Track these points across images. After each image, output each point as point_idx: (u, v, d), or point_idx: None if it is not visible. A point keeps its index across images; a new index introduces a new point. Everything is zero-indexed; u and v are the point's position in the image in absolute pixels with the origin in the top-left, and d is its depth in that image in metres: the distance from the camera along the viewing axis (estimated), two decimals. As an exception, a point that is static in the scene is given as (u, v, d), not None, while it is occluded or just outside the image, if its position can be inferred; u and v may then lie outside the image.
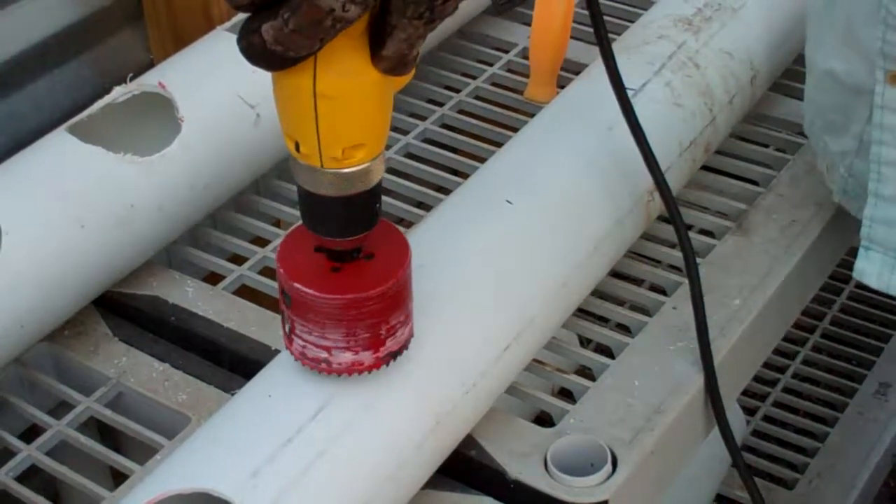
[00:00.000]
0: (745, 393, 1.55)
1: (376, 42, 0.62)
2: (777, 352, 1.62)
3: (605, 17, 1.17)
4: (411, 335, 0.74)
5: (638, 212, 0.93)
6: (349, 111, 0.64)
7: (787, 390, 1.60)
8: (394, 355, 0.73)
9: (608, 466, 0.81)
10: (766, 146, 1.11)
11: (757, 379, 1.59)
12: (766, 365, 1.60)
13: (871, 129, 0.87)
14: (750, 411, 1.56)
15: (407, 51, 0.62)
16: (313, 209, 0.68)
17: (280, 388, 0.75)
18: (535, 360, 0.89)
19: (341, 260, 0.71)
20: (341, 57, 0.62)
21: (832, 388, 1.60)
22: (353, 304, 0.70)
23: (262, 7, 0.59)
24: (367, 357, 0.72)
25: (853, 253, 0.91)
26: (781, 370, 1.62)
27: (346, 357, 0.72)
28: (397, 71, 0.63)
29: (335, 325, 0.71)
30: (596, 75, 0.98)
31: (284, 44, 0.59)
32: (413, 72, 0.65)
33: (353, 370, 0.72)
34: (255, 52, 0.60)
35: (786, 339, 1.63)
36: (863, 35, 0.85)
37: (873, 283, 0.90)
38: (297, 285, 0.70)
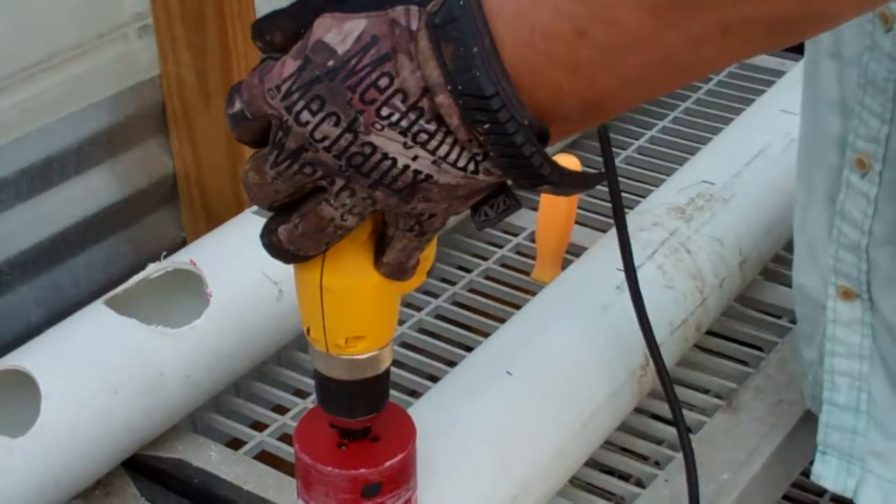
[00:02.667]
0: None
1: (379, 249, 0.65)
2: None
3: (606, 203, 1.20)
4: None
5: (631, 386, 0.94)
6: (351, 306, 0.66)
7: None
8: None
9: None
10: (756, 328, 1.11)
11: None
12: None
13: (825, 342, 0.88)
14: None
15: (404, 259, 0.64)
16: (325, 390, 0.70)
17: None
18: None
19: (351, 438, 0.72)
20: (346, 258, 0.65)
21: None
22: (354, 479, 0.71)
23: (280, 211, 0.63)
24: None
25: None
26: None
27: None
28: (397, 276, 0.66)
29: (337, 497, 0.72)
30: (594, 258, 1.01)
31: (295, 244, 0.63)
32: (423, 278, 0.67)
33: None
34: (274, 248, 0.64)
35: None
36: (820, 253, 0.86)
37: (829, 485, 0.90)
38: (304, 457, 0.72)
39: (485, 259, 1.22)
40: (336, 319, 0.67)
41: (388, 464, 0.72)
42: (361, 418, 0.72)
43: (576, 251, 1.17)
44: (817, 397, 0.92)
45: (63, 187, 1.20)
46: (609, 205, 1.24)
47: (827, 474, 0.90)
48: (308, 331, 0.68)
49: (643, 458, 0.99)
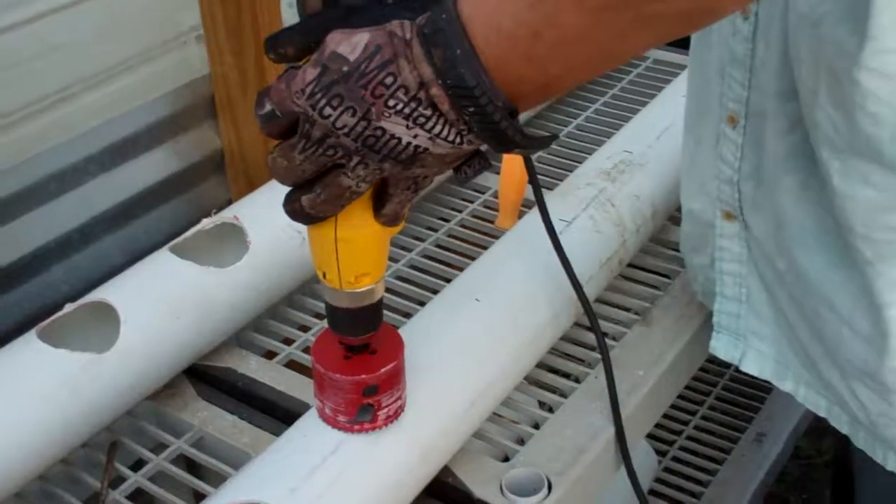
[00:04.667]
0: (657, 439, 1.55)
1: (378, 204, 0.64)
2: (681, 408, 1.61)
3: (553, 168, 1.21)
4: (403, 408, 0.75)
5: (568, 308, 0.93)
6: (359, 250, 0.66)
7: (689, 438, 1.58)
8: (389, 419, 0.74)
9: (545, 490, 0.81)
10: (665, 261, 1.11)
11: (666, 428, 1.58)
12: (673, 418, 1.59)
13: (715, 250, 0.88)
14: (661, 453, 1.54)
15: (400, 210, 0.65)
16: (334, 317, 0.70)
17: (310, 431, 0.76)
18: (495, 414, 0.89)
19: (354, 352, 0.72)
20: (354, 214, 0.65)
21: (723, 437, 1.57)
22: (356, 383, 0.71)
23: (300, 185, 0.62)
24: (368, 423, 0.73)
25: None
26: (685, 423, 1.60)
27: (349, 422, 0.73)
28: (392, 223, 0.66)
29: (345, 397, 0.72)
30: None
31: (317, 209, 0.63)
32: (403, 225, 0.67)
33: (359, 430, 0.74)
34: (297, 213, 0.63)
35: (689, 398, 1.63)
36: (708, 186, 0.86)
37: (722, 356, 0.91)
38: (319, 366, 0.72)
39: (459, 211, 1.22)
40: (348, 262, 0.67)
41: (382, 370, 0.72)
42: (362, 336, 0.71)
43: (529, 204, 1.16)
44: (708, 292, 0.93)
45: (136, 161, 1.19)
46: (554, 169, 1.27)
47: (720, 348, 0.91)
48: (324, 275, 0.68)
49: (580, 361, 1.00)
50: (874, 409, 0.79)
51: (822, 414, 0.86)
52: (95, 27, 1.12)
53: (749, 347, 0.90)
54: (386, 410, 0.74)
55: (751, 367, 0.90)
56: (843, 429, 0.84)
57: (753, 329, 0.89)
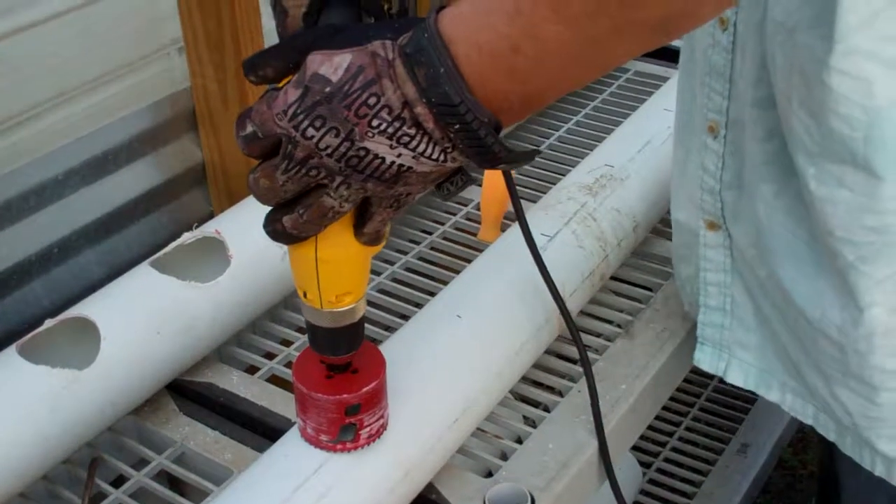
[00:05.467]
0: (641, 451, 1.55)
1: (359, 223, 0.64)
2: (665, 420, 1.61)
3: (534, 181, 1.21)
4: (385, 427, 0.75)
5: (550, 323, 0.94)
6: (340, 270, 0.66)
7: (673, 449, 1.58)
8: (372, 438, 0.74)
9: (528, 505, 0.81)
10: (647, 274, 1.11)
11: (651, 440, 1.58)
12: (658, 430, 1.59)
13: (699, 261, 0.89)
14: (646, 465, 1.55)
15: (381, 228, 0.64)
16: (315, 336, 0.70)
17: (293, 450, 0.75)
18: (478, 429, 0.89)
19: (335, 371, 0.72)
20: (334, 234, 0.64)
21: (707, 448, 1.58)
22: (338, 402, 0.71)
23: (282, 205, 0.62)
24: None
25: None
26: (670, 434, 1.61)
27: (332, 441, 0.73)
28: (373, 243, 0.66)
29: (327, 416, 0.72)
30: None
31: (299, 229, 0.62)
32: (384, 243, 0.67)
33: (342, 449, 0.73)
34: (277, 234, 0.63)
35: (673, 410, 1.63)
36: (693, 196, 0.87)
37: (706, 367, 0.91)
38: (300, 386, 0.72)
39: (442, 224, 1.22)
40: (328, 282, 0.66)
41: (364, 390, 0.71)
42: (344, 356, 0.71)
43: (511, 217, 1.13)
44: (694, 303, 0.93)
45: (117, 174, 1.19)
46: (536, 181, 1.27)
47: (704, 359, 0.92)
48: (304, 294, 0.67)
49: (562, 375, 1.00)
50: (857, 411, 0.80)
51: (808, 422, 0.86)
52: (76, 39, 1.11)
53: (733, 358, 0.90)
54: (368, 429, 0.74)
55: (735, 377, 0.90)
56: (830, 436, 0.85)
57: (738, 339, 0.89)
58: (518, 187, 1.25)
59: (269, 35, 1.18)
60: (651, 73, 1.48)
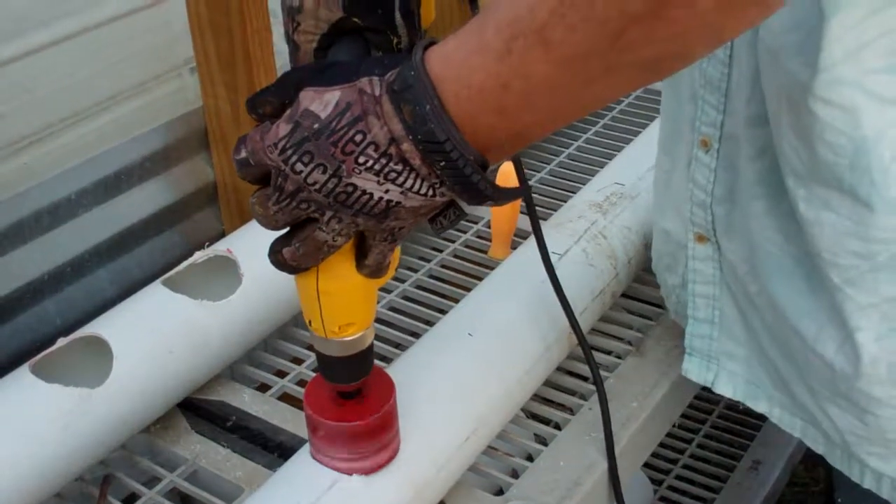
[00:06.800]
0: (652, 468, 1.54)
1: (360, 255, 0.65)
2: (677, 437, 1.60)
3: (545, 198, 1.21)
4: (396, 452, 0.75)
5: (561, 341, 0.94)
6: (342, 302, 0.66)
7: (685, 466, 1.57)
8: (381, 465, 0.74)
9: (540, 524, 0.81)
10: (657, 291, 1.09)
11: (662, 457, 1.57)
12: (669, 447, 1.58)
13: (687, 272, 0.88)
14: (657, 482, 1.54)
15: (382, 260, 0.64)
16: (323, 364, 0.70)
17: (304, 469, 0.75)
18: (489, 447, 0.89)
19: (346, 398, 0.72)
20: (335, 266, 0.64)
21: (718, 465, 1.56)
22: (350, 430, 0.72)
23: (283, 236, 0.63)
24: (359, 467, 0.73)
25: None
26: (681, 451, 1.59)
27: (344, 466, 0.73)
28: (375, 275, 0.65)
29: (336, 443, 0.72)
30: (535, 241, 1.02)
31: (296, 261, 0.63)
32: (392, 273, 0.67)
33: (353, 472, 0.74)
34: (279, 264, 0.64)
35: (684, 427, 1.62)
36: (682, 208, 0.87)
37: (694, 378, 0.91)
38: (311, 413, 0.72)
39: (452, 242, 1.22)
40: (331, 313, 0.66)
41: (375, 415, 0.72)
42: (353, 383, 0.71)
43: (522, 234, 1.18)
44: (681, 312, 0.93)
45: (130, 193, 1.20)
46: (546, 198, 1.27)
47: (692, 370, 0.91)
48: (310, 323, 0.68)
49: (572, 393, 1.00)
50: (846, 428, 0.80)
51: (797, 435, 0.86)
52: (89, 60, 1.12)
53: (722, 369, 0.90)
54: (380, 456, 0.74)
55: (724, 388, 0.90)
56: (819, 449, 0.85)
57: (726, 350, 0.89)
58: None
59: (281, 55, 1.19)
60: (660, 90, 1.48)
